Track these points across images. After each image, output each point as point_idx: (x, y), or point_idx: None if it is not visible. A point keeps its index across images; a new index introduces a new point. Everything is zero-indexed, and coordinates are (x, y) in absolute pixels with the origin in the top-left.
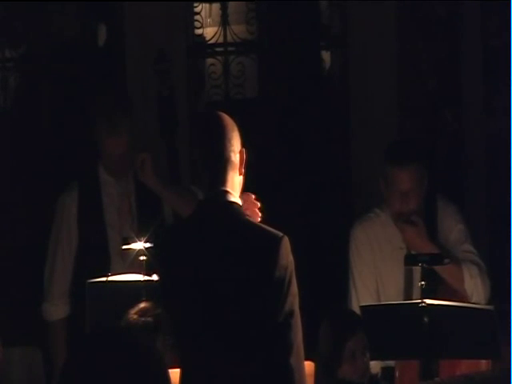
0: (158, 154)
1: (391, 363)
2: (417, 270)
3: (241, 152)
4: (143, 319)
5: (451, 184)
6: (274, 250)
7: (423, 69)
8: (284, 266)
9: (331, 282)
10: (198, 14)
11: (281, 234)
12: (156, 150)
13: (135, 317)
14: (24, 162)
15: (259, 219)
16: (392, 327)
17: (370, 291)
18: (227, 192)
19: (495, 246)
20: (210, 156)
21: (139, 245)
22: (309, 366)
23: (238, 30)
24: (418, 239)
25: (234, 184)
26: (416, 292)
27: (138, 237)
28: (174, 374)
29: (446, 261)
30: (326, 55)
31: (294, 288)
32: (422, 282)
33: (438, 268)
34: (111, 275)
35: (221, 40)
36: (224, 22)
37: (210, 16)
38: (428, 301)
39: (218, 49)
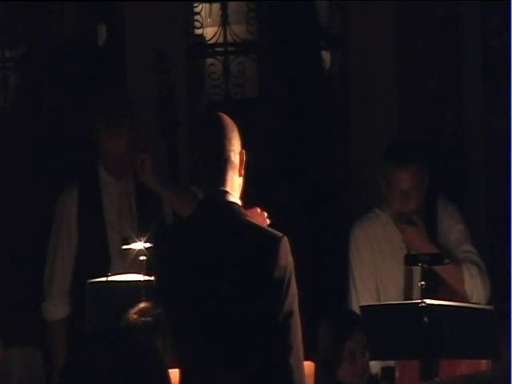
0: (158, 154)
1: (391, 363)
2: (417, 270)
3: (241, 153)
4: (143, 319)
5: (451, 184)
6: (273, 250)
7: (423, 69)
8: (283, 266)
9: (331, 282)
10: (198, 14)
11: (280, 234)
12: (156, 150)
13: (135, 317)
14: (24, 161)
15: None
16: (392, 327)
17: (370, 291)
18: (227, 192)
19: (495, 246)
20: (210, 155)
21: (139, 245)
22: (309, 366)
23: (238, 30)
24: (417, 239)
25: (234, 184)
26: (416, 292)
27: (138, 237)
28: (174, 374)
29: (446, 261)
30: (326, 55)
31: (294, 288)
32: (422, 282)
33: (437, 268)
34: (111, 275)
35: (221, 40)
36: (224, 22)
37: (210, 16)
38: (428, 301)
39: (217, 49)
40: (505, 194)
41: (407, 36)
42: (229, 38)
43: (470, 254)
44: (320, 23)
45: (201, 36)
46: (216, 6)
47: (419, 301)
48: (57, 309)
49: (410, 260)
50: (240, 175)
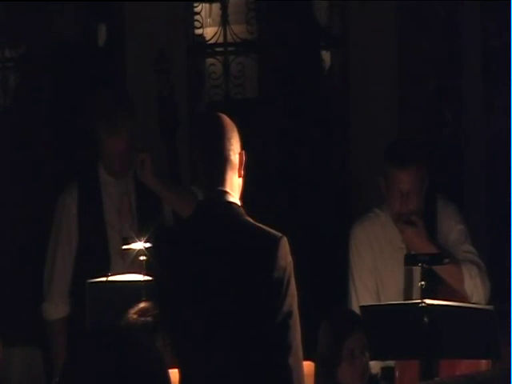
0: (158, 154)
1: (391, 363)
2: (417, 270)
3: (240, 154)
4: (143, 319)
5: (451, 184)
6: (272, 250)
7: (423, 69)
8: (283, 266)
9: (331, 282)
10: (198, 14)
11: (280, 234)
12: (156, 150)
13: (135, 317)
14: (24, 161)
15: None
16: (392, 327)
17: (369, 291)
18: (226, 192)
19: (495, 246)
20: (209, 155)
21: (139, 245)
22: (309, 366)
23: (238, 30)
24: (417, 239)
25: (233, 184)
26: (416, 292)
27: (138, 237)
28: (174, 374)
29: (446, 261)
30: (326, 55)
31: (293, 288)
32: (422, 282)
33: (437, 268)
34: (111, 275)
35: (221, 40)
36: (224, 21)
37: (210, 16)
38: (428, 301)
39: (217, 49)
40: (505, 194)
41: (407, 36)
42: (229, 38)
43: (470, 254)
44: (320, 23)
45: (201, 36)
46: (216, 6)
47: (419, 301)
48: (57, 309)
49: (410, 260)
50: (240, 176)
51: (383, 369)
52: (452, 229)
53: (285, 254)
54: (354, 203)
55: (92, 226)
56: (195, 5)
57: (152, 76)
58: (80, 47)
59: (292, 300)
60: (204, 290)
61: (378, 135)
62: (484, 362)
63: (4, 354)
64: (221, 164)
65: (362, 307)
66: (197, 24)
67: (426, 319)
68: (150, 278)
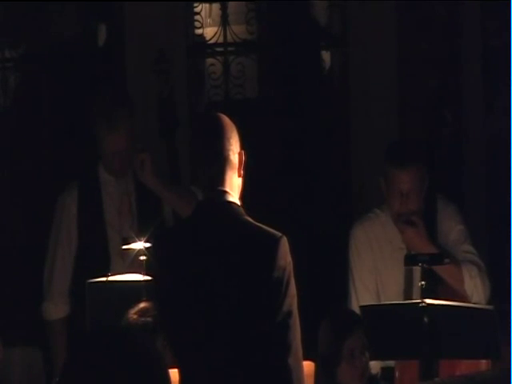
0: (158, 154)
1: (391, 363)
2: (417, 270)
3: (240, 153)
4: (143, 319)
5: (451, 184)
6: (272, 250)
7: (423, 69)
8: (282, 266)
9: (331, 282)
10: (198, 14)
11: (279, 234)
12: (156, 150)
13: (135, 317)
14: (24, 162)
15: None
16: (392, 327)
17: (369, 291)
18: (225, 192)
19: (495, 246)
20: (209, 154)
21: (139, 245)
22: (309, 366)
23: (238, 30)
24: (417, 240)
25: (233, 184)
26: (416, 292)
27: (138, 237)
28: (174, 373)
29: (446, 261)
30: (326, 55)
31: (293, 288)
32: (422, 282)
33: (437, 268)
34: (111, 275)
35: (221, 40)
36: (224, 21)
37: (210, 16)
38: (428, 301)
39: (217, 49)
40: (505, 194)
41: (407, 36)
42: (229, 38)
43: (470, 255)
44: (320, 23)
45: (201, 36)
46: (216, 6)
47: (419, 301)
48: (57, 308)
49: (410, 260)
50: (239, 176)
51: (383, 369)
52: (452, 229)
53: (284, 254)
54: (354, 203)
55: (92, 226)
56: (195, 5)
57: (152, 76)
58: (80, 47)
59: (292, 300)
60: (204, 290)
61: (378, 135)
62: (484, 362)
63: (4, 354)
64: (220, 164)
65: (361, 307)
66: (197, 24)
67: (425, 319)
68: (149, 278)
